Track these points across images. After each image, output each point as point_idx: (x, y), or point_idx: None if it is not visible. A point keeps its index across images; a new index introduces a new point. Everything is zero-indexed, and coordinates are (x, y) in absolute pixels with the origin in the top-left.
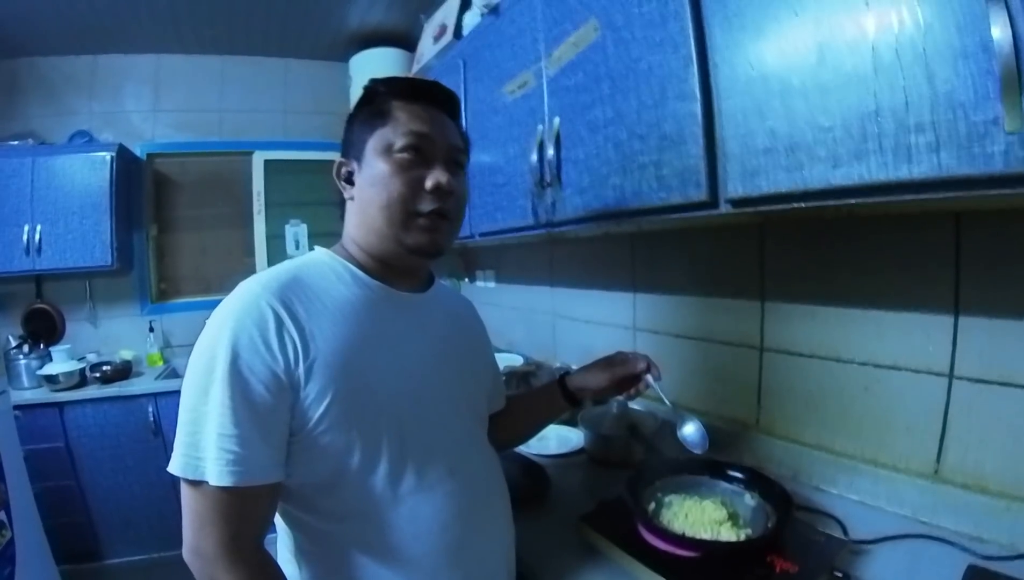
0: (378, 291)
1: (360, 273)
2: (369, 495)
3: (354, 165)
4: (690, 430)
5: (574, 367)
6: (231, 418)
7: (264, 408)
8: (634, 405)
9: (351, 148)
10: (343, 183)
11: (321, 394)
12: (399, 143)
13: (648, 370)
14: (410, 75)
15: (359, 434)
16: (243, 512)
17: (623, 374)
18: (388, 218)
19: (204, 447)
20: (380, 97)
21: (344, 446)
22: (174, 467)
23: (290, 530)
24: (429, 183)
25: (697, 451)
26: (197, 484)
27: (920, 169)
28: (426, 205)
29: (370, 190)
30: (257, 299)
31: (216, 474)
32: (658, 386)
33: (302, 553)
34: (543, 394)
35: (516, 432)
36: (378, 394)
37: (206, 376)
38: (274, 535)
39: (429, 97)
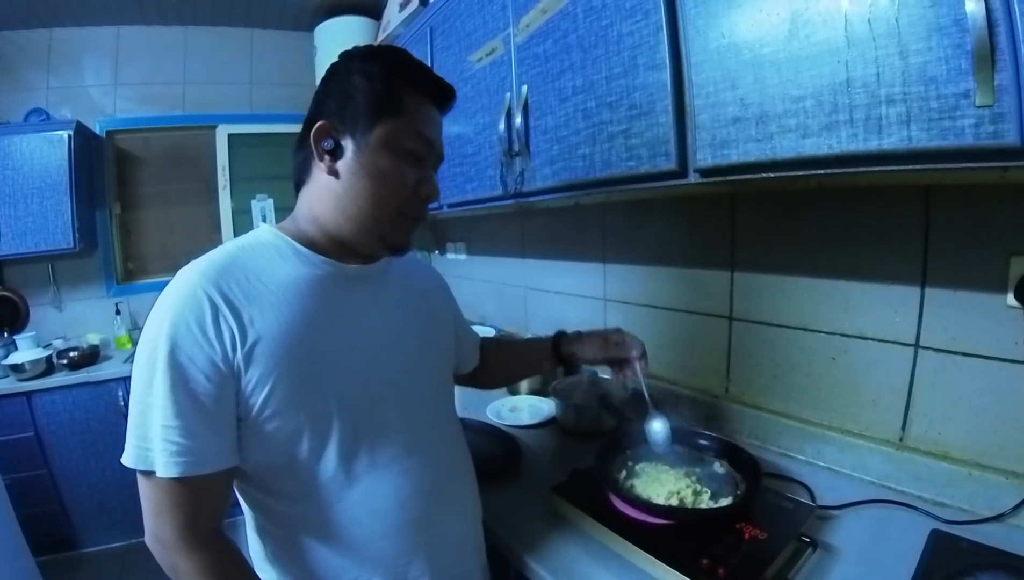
0: (324, 267)
1: (304, 250)
2: (323, 476)
3: (347, 141)
4: (657, 427)
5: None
6: (173, 409)
7: (207, 397)
8: (605, 375)
9: (346, 119)
10: (325, 154)
11: (263, 379)
12: (408, 144)
13: (641, 358)
14: (376, 43)
15: (308, 418)
16: (196, 500)
17: (616, 355)
18: (377, 215)
19: (151, 438)
20: (396, 80)
21: (293, 430)
22: (127, 459)
23: (251, 509)
24: (424, 192)
25: (657, 449)
26: (149, 474)
27: (890, 141)
28: (416, 210)
29: (364, 180)
30: (194, 288)
31: (163, 465)
32: (643, 379)
33: (264, 532)
34: (534, 347)
35: (504, 376)
36: (326, 374)
37: (149, 368)
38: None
39: (443, 102)
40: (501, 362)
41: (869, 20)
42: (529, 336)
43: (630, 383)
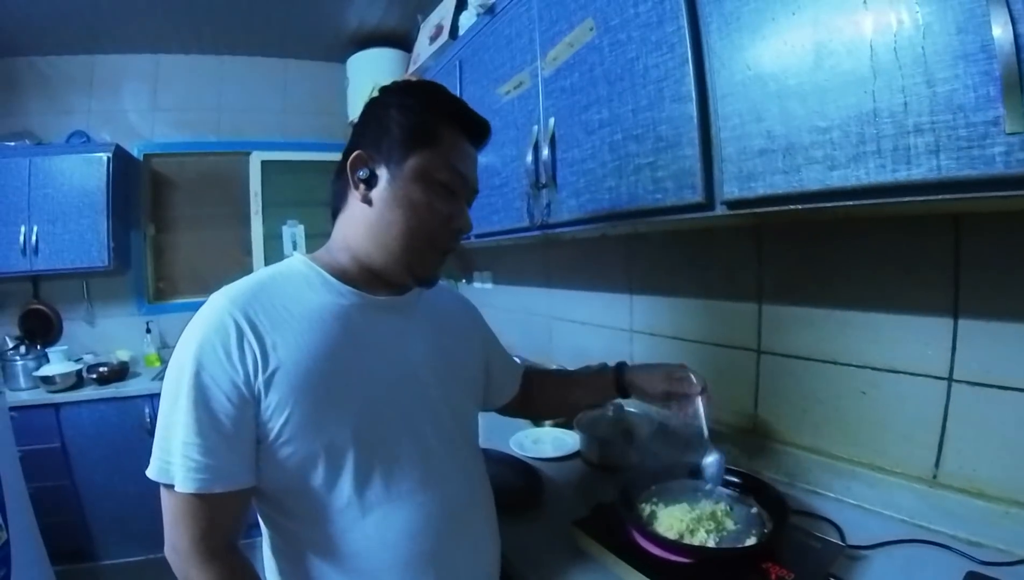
0: (351, 297)
1: (333, 280)
2: (337, 504)
3: (381, 170)
4: (710, 461)
5: (569, 369)
6: (195, 427)
7: (227, 418)
8: (630, 408)
9: (382, 150)
10: (360, 182)
11: (281, 405)
12: (441, 176)
13: (703, 393)
14: (409, 77)
15: (323, 446)
16: (211, 515)
17: (680, 389)
18: (407, 245)
19: (172, 453)
20: (432, 114)
21: (308, 457)
22: (150, 471)
23: (267, 528)
24: (457, 224)
25: (708, 485)
26: (169, 487)
27: (919, 171)
28: (447, 243)
29: (396, 210)
30: (221, 312)
31: (181, 480)
32: (704, 416)
33: (278, 551)
34: (596, 378)
35: (558, 407)
36: (344, 405)
37: (175, 387)
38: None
39: (478, 137)
40: (550, 393)
41: (895, 49)
42: (555, 366)
43: (691, 419)
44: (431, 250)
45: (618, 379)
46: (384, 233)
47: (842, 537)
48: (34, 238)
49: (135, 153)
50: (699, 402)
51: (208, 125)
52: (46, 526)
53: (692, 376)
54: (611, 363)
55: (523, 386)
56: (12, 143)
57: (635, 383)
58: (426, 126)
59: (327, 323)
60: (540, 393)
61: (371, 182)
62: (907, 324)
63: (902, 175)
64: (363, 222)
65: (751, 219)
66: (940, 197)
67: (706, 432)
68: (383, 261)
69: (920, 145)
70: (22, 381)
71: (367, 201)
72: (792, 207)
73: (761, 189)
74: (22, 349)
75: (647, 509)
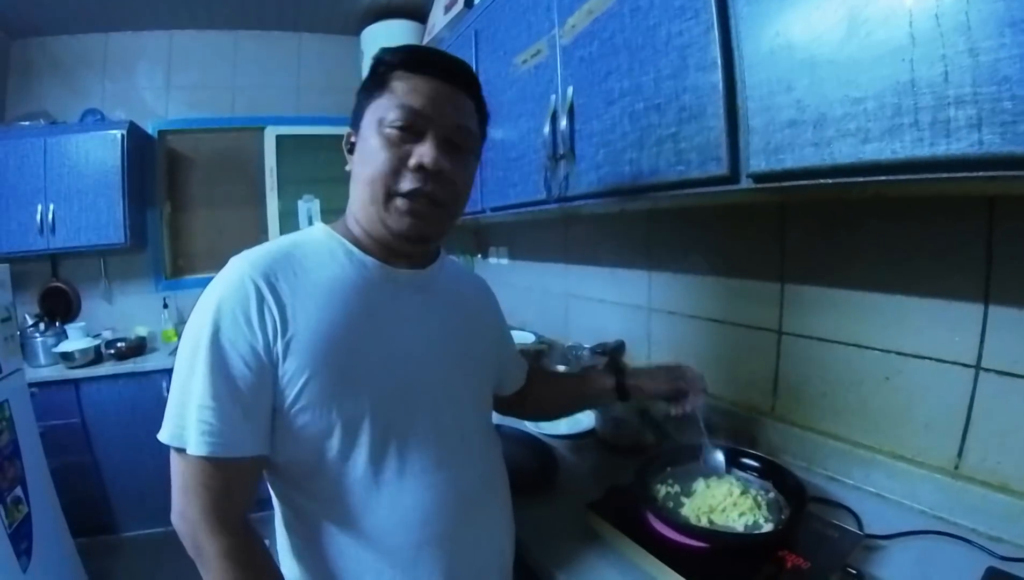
0: (373, 269)
1: (355, 250)
2: (349, 479)
3: (356, 135)
4: (718, 458)
5: (586, 346)
6: (210, 391)
7: (244, 383)
8: None
9: (355, 119)
10: (348, 155)
11: (298, 373)
12: (390, 116)
13: (703, 391)
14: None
15: (339, 416)
16: (224, 483)
17: (682, 388)
18: (371, 196)
19: (187, 417)
20: (383, 66)
21: (324, 427)
22: (162, 435)
23: (280, 503)
24: (412, 161)
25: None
26: (182, 452)
27: (959, 146)
28: (406, 184)
29: (360, 165)
30: (242, 276)
31: (194, 443)
32: (700, 413)
33: (290, 527)
34: (595, 382)
35: (554, 408)
36: (363, 376)
37: (192, 350)
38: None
39: (433, 68)
40: (547, 391)
41: (936, 15)
42: (571, 343)
43: (690, 414)
44: (391, 196)
45: (619, 385)
46: (356, 189)
47: (860, 526)
48: (51, 217)
49: (150, 130)
50: (699, 400)
51: (223, 103)
52: (67, 501)
53: (693, 373)
54: (624, 349)
55: (528, 384)
56: (27, 122)
57: (638, 387)
58: (378, 76)
59: (347, 294)
60: (540, 390)
61: (353, 149)
62: (935, 309)
63: (940, 150)
64: (352, 189)
65: (777, 195)
66: (980, 174)
67: (704, 430)
68: (365, 218)
69: (961, 118)
70: (42, 358)
71: (350, 169)
72: (822, 181)
73: (790, 162)
74: (41, 326)
75: (662, 491)
